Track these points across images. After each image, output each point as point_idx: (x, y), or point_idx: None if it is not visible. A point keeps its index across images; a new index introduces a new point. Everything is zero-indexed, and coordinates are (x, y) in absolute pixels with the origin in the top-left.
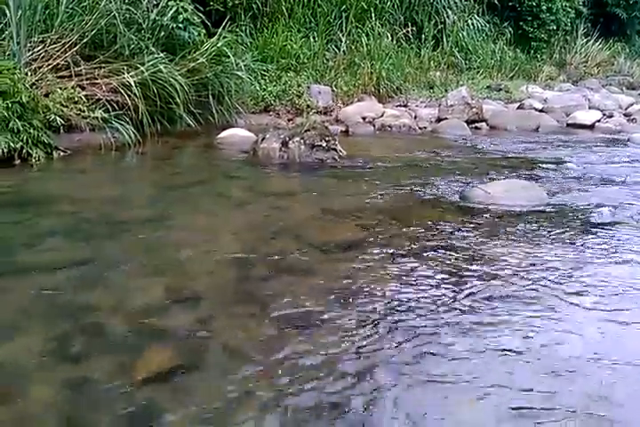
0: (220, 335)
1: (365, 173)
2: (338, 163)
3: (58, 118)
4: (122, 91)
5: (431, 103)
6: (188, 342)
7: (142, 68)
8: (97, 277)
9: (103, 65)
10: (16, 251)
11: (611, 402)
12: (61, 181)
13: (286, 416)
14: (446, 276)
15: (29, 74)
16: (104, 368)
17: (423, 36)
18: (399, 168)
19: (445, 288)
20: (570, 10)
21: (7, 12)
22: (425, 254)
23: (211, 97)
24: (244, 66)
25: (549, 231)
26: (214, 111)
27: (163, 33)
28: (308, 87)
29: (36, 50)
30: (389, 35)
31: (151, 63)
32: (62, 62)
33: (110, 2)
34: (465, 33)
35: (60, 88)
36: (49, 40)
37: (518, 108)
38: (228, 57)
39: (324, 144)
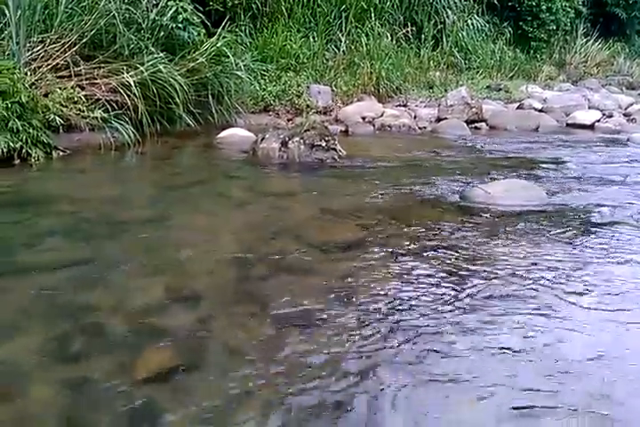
0: (219, 335)
1: (365, 172)
2: (337, 163)
3: (57, 118)
4: (121, 91)
5: (431, 103)
6: (187, 341)
7: (142, 68)
8: (97, 277)
9: (103, 65)
10: (16, 251)
11: (612, 401)
12: (61, 181)
13: (286, 416)
14: (446, 275)
15: (29, 74)
16: (104, 368)
17: (423, 35)
18: (399, 168)
19: (445, 288)
20: (569, 10)
21: (6, 11)
22: (425, 254)
23: (210, 97)
24: (244, 66)
25: (549, 231)
26: (214, 111)
27: (162, 33)
28: (308, 87)
29: (35, 50)
30: (389, 35)
31: (151, 63)
32: (62, 62)
33: (110, 2)
34: (464, 33)
35: (60, 88)
36: (48, 40)
37: (518, 108)
38: (228, 57)
39: (324, 144)
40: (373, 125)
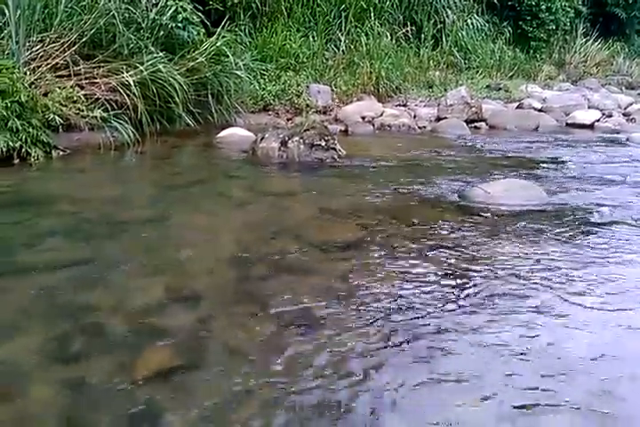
0: (219, 335)
1: (365, 172)
2: (337, 162)
3: (57, 118)
4: (121, 90)
5: (430, 103)
6: (187, 341)
7: (141, 68)
8: (97, 276)
9: (102, 64)
10: (16, 251)
11: (614, 399)
12: (61, 181)
13: (286, 415)
14: (446, 275)
15: (28, 73)
16: (104, 368)
17: (422, 35)
18: (398, 167)
19: (445, 287)
20: (569, 9)
21: (6, 11)
22: (425, 254)
23: (210, 96)
24: (244, 65)
25: (549, 231)
26: (213, 110)
27: (162, 32)
28: (308, 87)
29: (34, 49)
30: (389, 34)
31: (150, 62)
32: (61, 62)
33: (109, 1)
34: (464, 32)
35: (59, 87)
36: (48, 39)
37: (517, 107)
38: (228, 56)
39: (324, 143)
40: (373, 125)
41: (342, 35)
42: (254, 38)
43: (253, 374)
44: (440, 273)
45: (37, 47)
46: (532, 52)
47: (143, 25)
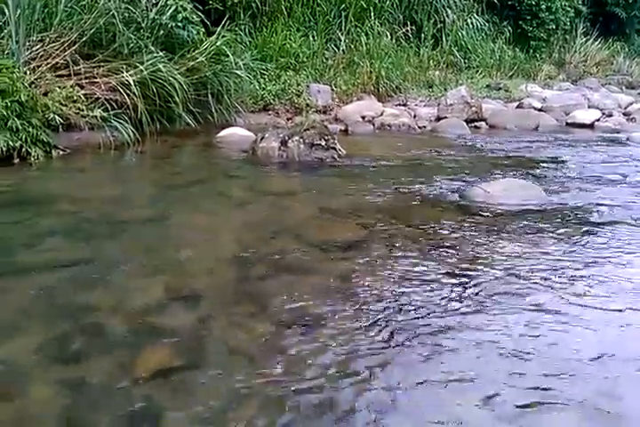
0: (219, 335)
1: (365, 172)
2: (337, 162)
3: (57, 117)
4: (121, 90)
5: (430, 102)
6: (187, 341)
7: (141, 67)
8: (97, 276)
9: (102, 64)
10: (16, 250)
11: (616, 398)
12: (61, 180)
13: (286, 415)
14: (446, 274)
15: (28, 73)
16: (103, 368)
17: (422, 35)
18: (398, 167)
19: (445, 286)
20: (569, 9)
21: (6, 10)
22: (425, 253)
23: (210, 96)
24: (244, 65)
25: (549, 230)
26: (213, 110)
27: (162, 32)
28: (308, 86)
29: (34, 49)
30: (389, 34)
31: (150, 62)
32: (61, 61)
33: (109, 1)
34: (464, 32)
35: (59, 87)
36: (48, 39)
37: (517, 107)
38: (228, 56)
39: (324, 143)
40: (373, 125)
41: (342, 34)
42: (254, 38)
43: (253, 373)
44: (440, 272)
45: (37, 47)
46: (531, 51)
47: (143, 24)
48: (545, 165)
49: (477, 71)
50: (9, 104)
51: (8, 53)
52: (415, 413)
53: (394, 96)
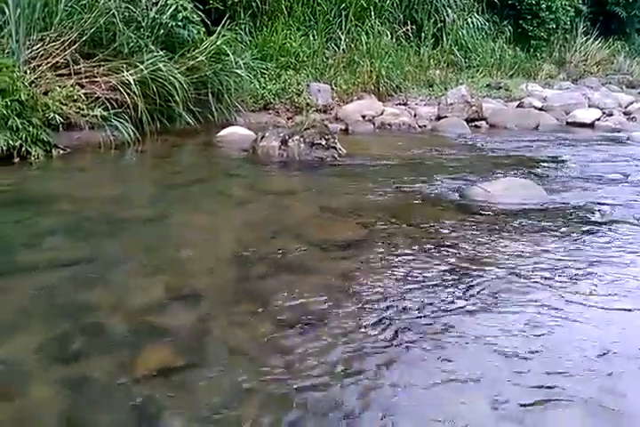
0: (219, 334)
1: (365, 171)
2: (337, 161)
3: (57, 116)
4: (121, 89)
5: (431, 102)
6: (187, 340)
7: (142, 67)
8: (97, 276)
9: (102, 63)
10: (16, 250)
11: (620, 395)
12: (61, 180)
13: (287, 414)
14: (446, 273)
15: (28, 72)
16: (104, 367)
17: (423, 34)
18: (399, 166)
19: (446, 286)
20: (569, 8)
21: (6, 9)
22: (425, 252)
23: (210, 95)
24: (244, 64)
25: (549, 229)
26: (214, 109)
27: (162, 31)
28: (308, 85)
29: (35, 48)
30: (389, 33)
31: (150, 61)
32: (61, 60)
33: (109, 0)
34: (464, 31)
35: (60, 86)
36: (48, 38)
37: (518, 106)
38: (228, 55)
39: (324, 142)
40: (373, 124)
41: (342, 33)
42: (254, 37)
43: (254, 373)
44: (440, 272)
45: (37, 46)
46: (532, 50)
47: (143, 24)
48: (545, 164)
49: (478, 70)
50: (9, 103)
51: (8, 52)
52: (417, 412)
53: (394, 95)
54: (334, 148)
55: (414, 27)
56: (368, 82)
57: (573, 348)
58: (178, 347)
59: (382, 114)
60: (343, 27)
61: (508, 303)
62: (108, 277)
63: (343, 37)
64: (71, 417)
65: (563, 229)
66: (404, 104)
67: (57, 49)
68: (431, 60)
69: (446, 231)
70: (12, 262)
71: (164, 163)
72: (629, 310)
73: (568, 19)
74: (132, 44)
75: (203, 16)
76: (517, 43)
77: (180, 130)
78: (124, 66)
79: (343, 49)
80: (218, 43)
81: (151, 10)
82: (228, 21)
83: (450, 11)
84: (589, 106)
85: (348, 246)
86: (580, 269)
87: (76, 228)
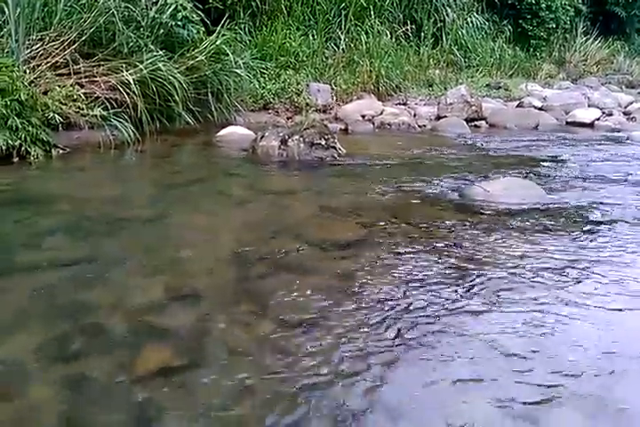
0: (219, 334)
1: (365, 171)
2: (337, 161)
3: (56, 116)
4: (121, 89)
5: (430, 101)
6: (187, 340)
7: (141, 66)
8: (97, 275)
9: (102, 63)
10: (15, 250)
11: (622, 394)
12: (60, 180)
13: (287, 414)
14: (446, 273)
15: (28, 71)
16: (103, 367)
17: (422, 33)
18: (398, 166)
19: (445, 285)
20: (569, 8)
21: (6, 9)
22: (425, 252)
23: (210, 95)
24: (243, 64)
25: (549, 229)
26: (213, 109)
27: (162, 31)
28: (307, 85)
29: (34, 47)
30: (389, 33)
31: (150, 61)
32: (61, 60)
33: None
34: (464, 31)
35: (59, 86)
36: (47, 38)
37: (518, 106)
38: (227, 55)
39: (324, 142)
40: (373, 124)
41: (342, 33)
42: (254, 37)
43: (253, 373)
44: (440, 271)
45: (37, 46)
46: (532, 50)
47: (143, 23)
48: (545, 164)
49: (477, 70)
50: (8, 103)
51: (8, 52)
52: (419, 411)
53: (394, 95)
54: (334, 147)
55: (414, 26)
56: (368, 82)
57: (575, 347)
58: (177, 347)
59: (382, 114)
60: (343, 26)
61: (508, 303)
62: (108, 277)
63: (343, 37)
64: (71, 417)
65: (562, 229)
66: (404, 104)
67: (56, 49)
68: (431, 60)
69: (446, 231)
70: (11, 262)
71: (163, 162)
72: (630, 310)
73: (568, 18)
74: (131, 44)
75: (202, 16)
76: (517, 42)
77: (179, 129)
78: (124, 65)
79: (343, 49)
80: (217, 42)
81: (151, 9)
82: (228, 21)
83: (449, 10)
84: (589, 106)
85: (347, 246)
86: (580, 268)
87: (75, 228)
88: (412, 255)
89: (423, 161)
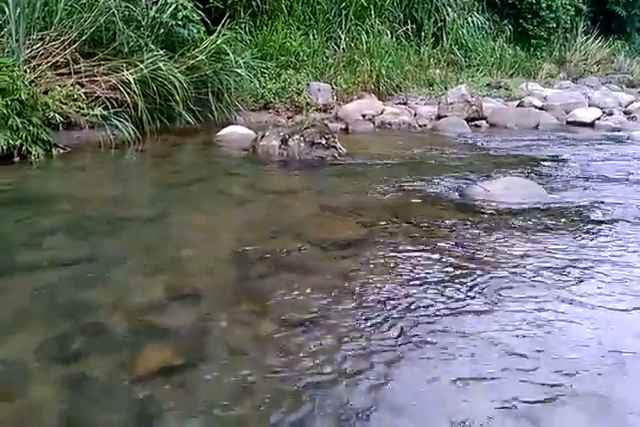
0: (220, 333)
1: (365, 170)
2: (337, 160)
3: (57, 116)
4: (121, 88)
5: (431, 101)
6: (188, 340)
7: (141, 66)
8: (97, 275)
9: (102, 62)
10: (16, 249)
11: (621, 395)
12: (61, 179)
13: (288, 414)
14: (447, 273)
15: (28, 71)
16: (104, 367)
17: (423, 33)
18: (399, 166)
19: (446, 285)
20: (570, 7)
21: (6, 9)
22: (426, 251)
23: (210, 94)
24: (244, 63)
25: (550, 229)
26: (214, 109)
27: (162, 30)
28: (308, 85)
29: (35, 47)
30: (389, 32)
31: (150, 61)
32: (61, 60)
33: None
34: (465, 30)
35: (60, 85)
36: (48, 37)
37: (518, 105)
38: (228, 54)
39: (324, 142)
40: (373, 123)
41: (342, 33)
42: (254, 36)
43: (254, 372)
44: (441, 271)
45: (37, 45)
46: (532, 50)
47: (143, 23)
48: (545, 163)
49: (478, 70)
50: (9, 103)
51: (8, 52)
52: (420, 411)
53: (394, 95)
54: (334, 147)
55: (414, 26)
56: (368, 81)
57: (577, 347)
58: (178, 347)
59: (382, 113)
60: (343, 26)
61: (509, 302)
62: (108, 276)
63: (343, 36)
64: (71, 417)
65: (563, 229)
66: (404, 103)
67: (57, 48)
68: (431, 60)
69: (446, 230)
70: (12, 262)
71: (164, 162)
72: (633, 310)
73: (568, 18)
74: (132, 44)
75: (203, 15)
76: (517, 42)
77: (180, 129)
78: (124, 65)
79: (343, 48)
80: (218, 42)
81: (151, 9)
82: (228, 20)
83: (450, 10)
84: (589, 105)
85: (348, 246)
86: (581, 268)
87: (76, 227)
88: (412, 255)
89: (424, 160)
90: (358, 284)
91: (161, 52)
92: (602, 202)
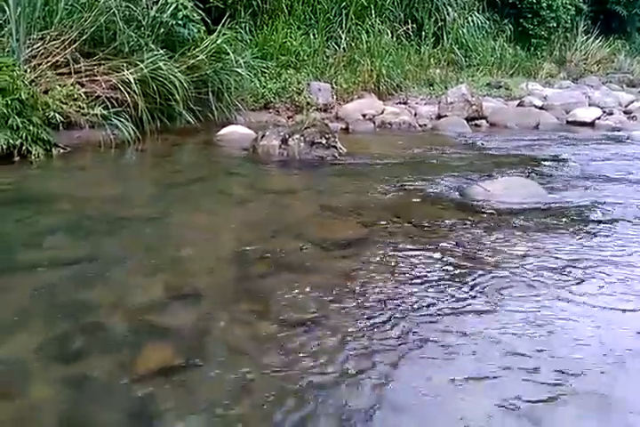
0: (220, 333)
1: (365, 170)
2: (338, 160)
3: (57, 115)
4: (121, 88)
5: (431, 100)
6: (188, 339)
7: (142, 65)
8: (97, 274)
9: (103, 62)
10: (16, 249)
11: (621, 394)
12: (61, 179)
13: (288, 413)
14: (447, 272)
15: (29, 71)
16: (104, 366)
17: (423, 33)
18: (399, 165)
19: (446, 285)
20: (570, 7)
21: (6, 8)
22: (426, 251)
23: (210, 94)
24: (244, 63)
25: (550, 228)
26: (214, 108)
27: (162, 30)
28: (308, 84)
29: (35, 47)
30: (389, 32)
31: (151, 60)
32: (62, 59)
33: None
34: (465, 30)
35: (60, 85)
36: (48, 37)
37: (518, 105)
38: (228, 54)
39: (324, 141)
40: (374, 123)
41: (343, 32)
42: (255, 36)
43: (254, 372)
44: (441, 271)
45: (38, 45)
46: (532, 49)
47: (143, 22)
48: (546, 163)
49: (478, 69)
50: (9, 102)
51: (8, 51)
52: (421, 410)
53: (394, 94)
54: (334, 147)
55: (415, 25)
56: (368, 81)
57: (578, 346)
58: (178, 346)
59: (383, 113)
60: (344, 25)
61: (510, 302)
62: (109, 276)
63: (344, 36)
64: (71, 417)
65: (563, 228)
66: (405, 103)
67: (57, 48)
68: (431, 59)
69: (446, 230)
70: (12, 261)
71: (164, 162)
72: (633, 310)
73: (569, 17)
74: (132, 43)
75: (203, 15)
76: (518, 41)
77: (180, 129)
78: (125, 65)
79: (343, 48)
80: (218, 41)
81: (151, 8)
82: (229, 20)
83: (450, 9)
84: (590, 105)
85: (348, 245)
86: (581, 268)
87: (76, 227)
88: (413, 254)
89: (424, 160)
90: (359, 283)
91: (161, 51)
92: (602, 202)
